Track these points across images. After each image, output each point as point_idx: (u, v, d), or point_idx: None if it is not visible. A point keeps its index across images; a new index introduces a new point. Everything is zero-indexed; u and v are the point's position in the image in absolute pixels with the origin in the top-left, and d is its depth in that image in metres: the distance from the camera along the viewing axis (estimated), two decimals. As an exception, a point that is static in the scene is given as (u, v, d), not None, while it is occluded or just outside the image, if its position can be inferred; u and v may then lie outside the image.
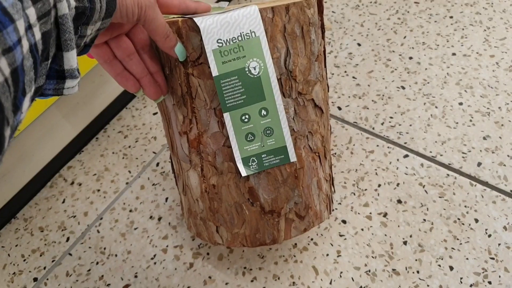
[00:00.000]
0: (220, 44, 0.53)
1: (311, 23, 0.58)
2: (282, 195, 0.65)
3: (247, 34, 0.53)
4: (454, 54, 1.06)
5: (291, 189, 0.65)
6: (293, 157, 0.60)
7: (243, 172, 0.59)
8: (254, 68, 0.55)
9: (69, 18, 0.35)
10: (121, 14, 0.44)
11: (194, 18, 0.52)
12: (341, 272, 0.78)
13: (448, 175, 0.87)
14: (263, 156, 0.59)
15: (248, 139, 0.58)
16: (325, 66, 0.65)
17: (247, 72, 0.54)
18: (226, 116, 0.56)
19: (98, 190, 0.95)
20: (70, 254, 0.86)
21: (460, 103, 0.97)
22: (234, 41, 0.53)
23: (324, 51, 0.64)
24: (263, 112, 0.57)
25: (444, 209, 0.83)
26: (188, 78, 0.57)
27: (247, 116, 0.57)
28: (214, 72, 0.54)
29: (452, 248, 0.78)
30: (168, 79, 0.59)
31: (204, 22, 0.52)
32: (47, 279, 0.84)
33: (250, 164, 0.59)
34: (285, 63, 0.57)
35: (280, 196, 0.65)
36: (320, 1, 0.60)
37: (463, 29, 1.11)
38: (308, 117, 0.62)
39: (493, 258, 0.77)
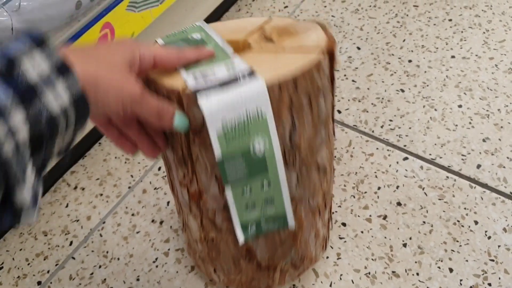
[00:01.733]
0: (225, 125, 0.51)
1: (319, 89, 0.57)
2: (279, 253, 0.67)
3: (253, 112, 0.51)
4: (453, 56, 1.07)
5: (288, 248, 0.67)
6: (292, 223, 0.61)
7: (241, 238, 0.60)
8: (259, 147, 0.53)
9: (16, 156, 0.33)
10: (102, 114, 0.44)
11: (198, 96, 0.50)
12: (341, 275, 0.78)
13: (447, 177, 0.87)
14: (262, 222, 0.60)
15: (247, 208, 0.58)
16: (333, 120, 0.64)
17: (252, 151, 0.53)
18: (227, 187, 0.55)
19: (101, 195, 0.96)
20: (73, 258, 0.87)
21: (460, 106, 0.97)
22: (240, 120, 0.51)
23: (333, 106, 0.62)
24: (265, 184, 0.57)
25: (444, 211, 0.83)
26: (189, 144, 0.56)
27: (248, 189, 0.57)
28: (218, 155, 0.52)
29: (452, 250, 0.79)
30: (168, 138, 0.58)
31: (209, 103, 0.49)
32: (51, 283, 0.85)
33: (249, 229, 0.60)
34: (290, 138, 0.57)
35: (277, 254, 0.67)
36: (332, 53, 0.58)
37: (462, 32, 1.12)
38: (310, 183, 0.63)
39: (493, 260, 0.77)
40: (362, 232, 0.83)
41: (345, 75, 1.07)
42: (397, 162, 0.91)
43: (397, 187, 0.87)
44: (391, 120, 0.97)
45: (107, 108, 0.43)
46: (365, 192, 0.87)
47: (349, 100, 1.02)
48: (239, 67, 0.53)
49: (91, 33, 0.88)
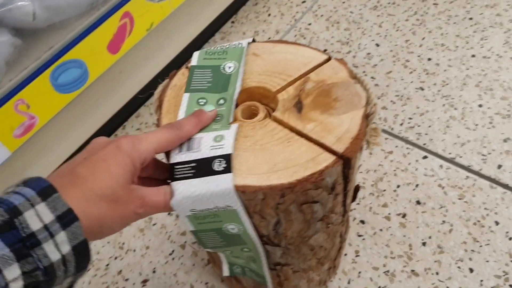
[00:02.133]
0: (194, 212, 0.50)
1: (316, 201, 0.54)
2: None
3: (222, 208, 0.50)
4: (473, 55, 1.06)
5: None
6: (270, 286, 0.64)
7: (225, 273, 0.64)
8: (233, 229, 0.53)
9: None
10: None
11: (172, 185, 0.49)
12: (360, 272, 0.78)
13: (467, 177, 0.86)
14: (246, 269, 0.63)
15: (233, 256, 0.61)
16: (346, 210, 0.61)
17: (225, 230, 0.53)
18: (208, 249, 0.58)
19: (117, 186, 0.95)
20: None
21: (480, 105, 0.96)
22: (209, 211, 0.50)
23: (346, 212, 0.60)
24: (245, 249, 0.57)
25: (464, 211, 0.82)
26: None
27: (229, 251, 0.58)
28: (190, 228, 0.53)
29: (472, 250, 0.78)
30: None
31: (179, 192, 0.49)
32: (66, 273, 0.84)
33: (234, 268, 0.64)
34: (274, 229, 0.56)
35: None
36: (350, 159, 0.53)
37: (483, 31, 1.10)
38: (300, 255, 0.62)
39: (513, 261, 0.76)
40: (381, 230, 0.82)
41: (364, 72, 1.06)
42: (417, 161, 0.90)
43: (417, 185, 0.86)
44: (410, 118, 0.96)
45: (113, 233, 0.44)
46: (384, 190, 0.87)
47: (368, 97, 1.01)
48: (226, 146, 0.51)
49: (111, 22, 0.87)
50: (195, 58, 0.61)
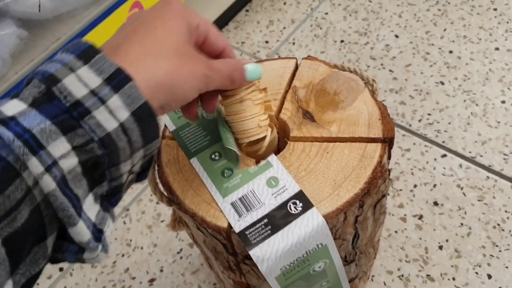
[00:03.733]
0: (283, 270, 0.47)
1: (384, 195, 0.53)
2: None
3: (313, 249, 0.47)
4: (497, 48, 1.01)
5: None
6: None
7: None
8: (319, 267, 0.50)
9: (62, 191, 0.29)
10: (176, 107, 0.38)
11: (248, 249, 0.45)
12: (373, 276, 0.75)
13: (488, 177, 0.83)
14: None
15: None
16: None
17: (312, 272, 0.50)
18: None
19: (125, 180, 0.94)
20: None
21: (503, 101, 0.92)
22: (299, 260, 0.47)
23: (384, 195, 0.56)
24: (324, 283, 0.54)
25: (483, 213, 0.79)
26: (239, 263, 0.52)
27: None
28: (275, 287, 0.49)
29: (491, 256, 0.74)
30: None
31: (264, 257, 0.45)
32: (73, 270, 0.83)
33: None
34: (352, 245, 0.54)
35: None
36: (392, 138, 0.52)
37: (507, 22, 1.05)
38: (367, 259, 0.61)
39: (534, 268, 0.73)
40: (396, 232, 0.79)
41: (382, 64, 1.02)
42: (435, 159, 0.86)
43: (434, 185, 0.83)
44: (429, 114, 0.92)
45: (184, 101, 0.37)
46: (401, 190, 0.83)
47: (385, 91, 0.97)
48: (289, 185, 0.48)
49: (120, 12, 0.84)
50: (168, 121, 0.56)
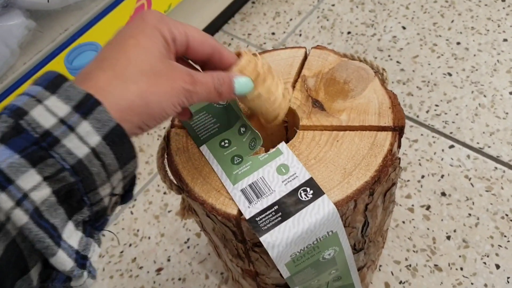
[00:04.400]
0: (293, 256, 0.47)
1: (394, 183, 0.53)
2: None
3: (324, 236, 0.47)
4: (505, 40, 1.00)
5: None
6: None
7: None
8: (330, 254, 0.50)
9: (36, 223, 0.28)
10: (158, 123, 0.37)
11: (259, 235, 0.45)
12: (380, 266, 0.75)
13: (496, 168, 0.82)
14: None
15: (315, 285, 0.55)
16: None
17: (321, 260, 0.50)
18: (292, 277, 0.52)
19: (133, 171, 0.94)
20: (104, 235, 0.86)
21: (511, 93, 0.92)
22: (309, 247, 0.47)
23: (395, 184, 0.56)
24: (333, 272, 0.54)
25: (491, 204, 0.79)
26: (247, 251, 0.52)
27: (316, 280, 0.53)
28: (286, 275, 0.49)
29: (499, 246, 0.74)
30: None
31: (274, 243, 0.45)
32: (81, 259, 0.83)
33: None
34: (362, 232, 0.53)
35: None
36: (402, 127, 0.51)
37: (516, 14, 1.05)
38: (375, 247, 0.61)
39: (543, 258, 0.73)
40: (403, 222, 0.79)
41: (389, 56, 1.02)
42: (443, 150, 0.86)
43: (442, 176, 0.83)
44: (437, 105, 0.92)
45: (164, 117, 0.36)
46: (408, 181, 0.83)
47: (393, 82, 0.97)
48: (299, 173, 0.48)
49: (127, 3, 0.85)
50: None
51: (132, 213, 0.88)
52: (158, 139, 0.96)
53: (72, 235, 0.31)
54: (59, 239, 0.29)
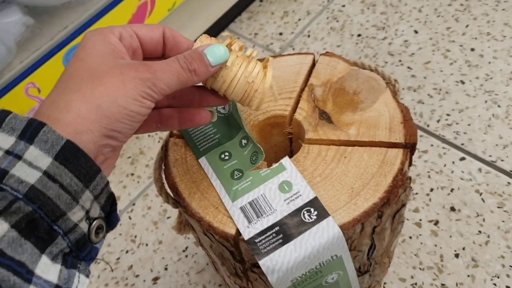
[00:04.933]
0: (294, 281, 0.44)
1: (404, 204, 0.50)
2: None
3: (327, 260, 0.44)
4: (522, 47, 0.97)
5: None
6: None
7: None
8: (332, 279, 0.47)
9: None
10: (132, 130, 0.35)
11: (258, 258, 0.42)
12: (385, 283, 0.72)
13: (509, 183, 0.79)
14: None
15: None
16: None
17: (324, 284, 0.47)
18: None
19: (132, 174, 0.91)
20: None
21: (526, 103, 0.88)
22: (311, 271, 0.44)
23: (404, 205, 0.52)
24: None
25: (503, 221, 0.75)
26: (246, 270, 0.50)
27: None
28: None
29: (510, 266, 0.71)
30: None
31: (274, 267, 0.42)
32: (76, 265, 0.81)
33: None
34: (368, 255, 0.50)
35: None
36: (414, 144, 0.49)
37: (533, 20, 1.01)
38: (381, 268, 0.58)
39: (555, 280, 0.69)
40: (410, 237, 0.76)
41: (400, 61, 0.98)
42: (453, 162, 0.83)
43: (452, 190, 0.79)
44: (448, 115, 0.89)
45: (134, 117, 0.34)
46: (416, 193, 0.80)
47: (403, 89, 0.94)
48: (303, 191, 0.45)
49: (130, 0, 0.81)
50: None
51: (130, 218, 0.85)
52: (159, 141, 0.93)
53: (49, 269, 0.28)
54: (30, 275, 0.27)
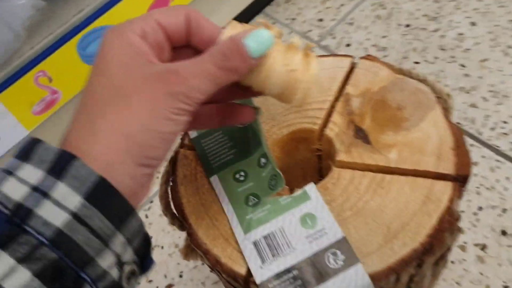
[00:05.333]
0: None
1: (449, 248, 0.42)
2: None
3: None
4: None
5: None
6: None
7: None
8: None
9: None
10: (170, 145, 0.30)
11: None
12: (421, 313, 0.64)
13: None
14: None
15: None
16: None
17: None
18: None
19: (151, 169, 0.85)
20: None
21: None
22: None
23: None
24: None
25: (562, 251, 0.66)
26: None
27: None
28: None
29: None
30: None
31: None
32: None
33: None
34: None
35: None
36: (467, 176, 0.41)
37: None
38: None
39: None
40: (452, 262, 0.67)
41: (452, 57, 0.88)
42: (507, 178, 0.73)
43: (504, 210, 0.70)
44: (505, 122, 0.78)
45: (165, 138, 0.29)
46: (462, 211, 0.71)
47: (454, 89, 0.84)
48: (329, 228, 0.38)
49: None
50: None
51: (147, 216, 0.80)
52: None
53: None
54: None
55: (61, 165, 0.26)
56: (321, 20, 1.02)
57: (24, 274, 0.24)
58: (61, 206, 0.25)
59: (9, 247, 0.24)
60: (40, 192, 0.25)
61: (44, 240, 0.25)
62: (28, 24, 0.64)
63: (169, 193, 0.47)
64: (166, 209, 0.46)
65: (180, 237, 0.77)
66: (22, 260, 0.24)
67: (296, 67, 0.33)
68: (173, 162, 0.47)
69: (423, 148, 0.42)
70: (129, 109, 0.28)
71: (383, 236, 0.38)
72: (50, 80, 0.67)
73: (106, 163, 0.27)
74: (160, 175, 0.48)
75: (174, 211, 0.46)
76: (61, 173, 0.26)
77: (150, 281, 0.73)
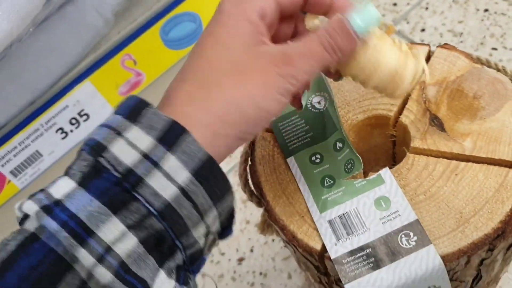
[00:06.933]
0: None
1: None
2: None
3: None
4: None
5: None
6: None
7: None
8: None
9: (122, 280, 0.25)
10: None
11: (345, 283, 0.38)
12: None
13: None
14: None
15: None
16: None
17: None
18: None
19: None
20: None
21: None
22: None
23: None
24: None
25: None
26: (332, 284, 0.46)
27: None
28: None
29: None
30: None
31: None
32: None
33: None
34: (471, 286, 0.44)
35: None
36: None
37: None
38: None
39: None
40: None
41: (532, 43, 0.86)
42: None
43: None
44: None
45: (268, 118, 0.31)
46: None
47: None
48: (402, 211, 0.40)
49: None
50: None
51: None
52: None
53: (163, 285, 0.27)
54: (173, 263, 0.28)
55: (172, 136, 0.27)
56: (395, 4, 1.01)
57: (132, 240, 0.26)
58: (171, 179, 0.26)
59: (119, 213, 0.26)
60: (151, 161, 0.26)
61: (153, 210, 0.26)
62: (117, 10, 0.68)
63: (248, 171, 0.49)
64: (245, 187, 0.49)
65: (252, 213, 0.80)
66: (131, 227, 0.26)
67: (406, 63, 0.34)
68: (252, 143, 0.50)
69: (499, 137, 0.42)
70: (244, 85, 0.29)
71: (455, 220, 0.39)
72: (135, 63, 0.72)
73: (213, 133, 0.28)
74: (239, 154, 0.50)
75: (252, 188, 0.49)
76: (172, 145, 0.27)
77: (223, 253, 0.77)
